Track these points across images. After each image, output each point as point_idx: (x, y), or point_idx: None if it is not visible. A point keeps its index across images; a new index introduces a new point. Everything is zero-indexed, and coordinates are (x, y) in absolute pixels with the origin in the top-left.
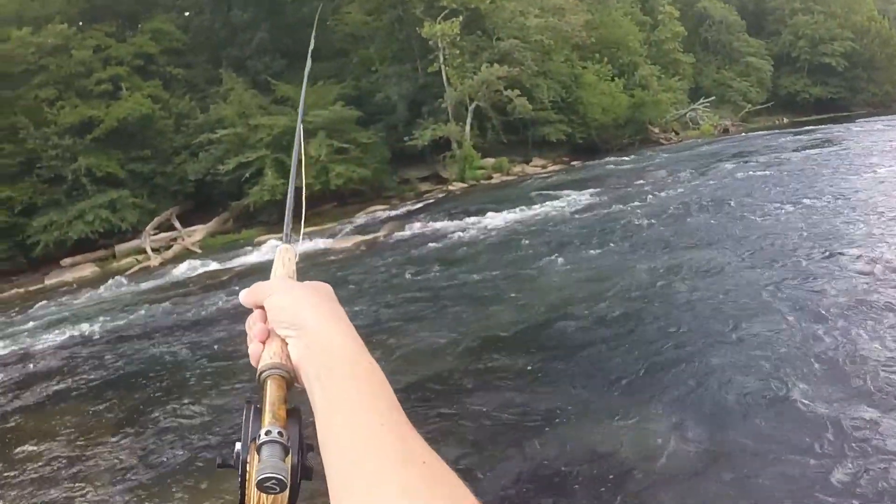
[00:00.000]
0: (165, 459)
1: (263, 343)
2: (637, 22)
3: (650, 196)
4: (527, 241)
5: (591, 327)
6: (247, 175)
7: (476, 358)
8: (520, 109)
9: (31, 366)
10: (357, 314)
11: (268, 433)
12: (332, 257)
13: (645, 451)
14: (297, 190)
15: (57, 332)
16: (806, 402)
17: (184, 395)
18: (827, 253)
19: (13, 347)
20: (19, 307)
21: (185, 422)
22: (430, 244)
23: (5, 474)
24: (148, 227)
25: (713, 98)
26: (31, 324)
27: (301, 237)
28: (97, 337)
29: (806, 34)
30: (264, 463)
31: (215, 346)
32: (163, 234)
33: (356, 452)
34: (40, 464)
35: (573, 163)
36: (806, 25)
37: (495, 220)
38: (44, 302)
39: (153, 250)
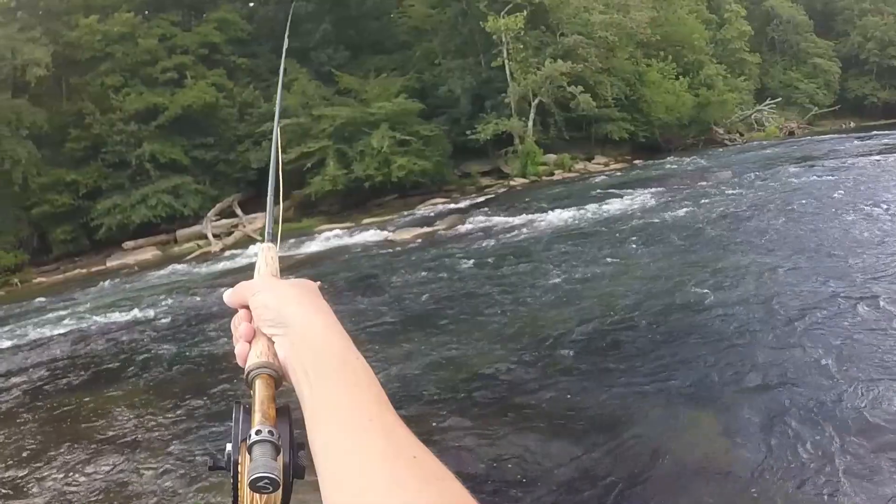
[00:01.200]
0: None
1: (250, 342)
2: (702, 20)
3: (713, 198)
4: (587, 240)
5: (648, 329)
6: (308, 165)
7: (531, 355)
8: (583, 106)
9: (90, 345)
10: (413, 306)
11: (258, 432)
12: (392, 249)
13: (699, 456)
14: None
15: (117, 312)
16: (873, 414)
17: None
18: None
19: (73, 326)
20: (82, 287)
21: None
22: (490, 239)
23: (59, 448)
24: (210, 213)
25: (779, 99)
26: (92, 304)
27: (279, 237)
28: (157, 319)
29: (875, 36)
30: (256, 462)
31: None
32: (224, 221)
33: (345, 449)
34: (95, 441)
35: (635, 161)
36: (875, 27)
37: (556, 217)
38: (105, 283)
39: (214, 236)
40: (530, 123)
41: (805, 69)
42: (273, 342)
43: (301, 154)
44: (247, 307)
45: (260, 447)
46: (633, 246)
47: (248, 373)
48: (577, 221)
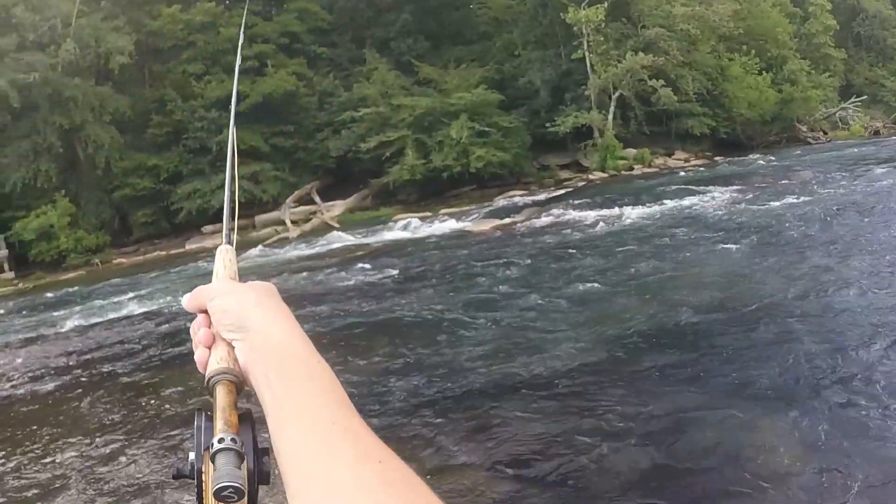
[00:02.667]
0: None
1: (209, 348)
2: (786, 13)
3: (796, 198)
4: (666, 237)
5: (724, 329)
6: (387, 154)
7: (605, 350)
8: (664, 100)
9: (166, 324)
10: (489, 298)
11: (221, 440)
12: (470, 240)
13: (767, 462)
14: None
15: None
16: None
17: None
18: None
19: (150, 307)
20: (160, 269)
21: None
22: (568, 233)
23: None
24: (288, 200)
25: (864, 97)
26: (169, 285)
27: (235, 238)
28: None
29: None
30: (220, 471)
31: (349, 319)
32: (302, 208)
33: (309, 454)
34: (169, 417)
35: (716, 158)
36: None
37: (635, 212)
38: (183, 266)
39: (292, 222)
40: (610, 117)
41: (892, 66)
42: (233, 347)
43: (380, 143)
44: (206, 312)
45: (223, 456)
46: (712, 244)
47: (209, 379)
48: (656, 218)
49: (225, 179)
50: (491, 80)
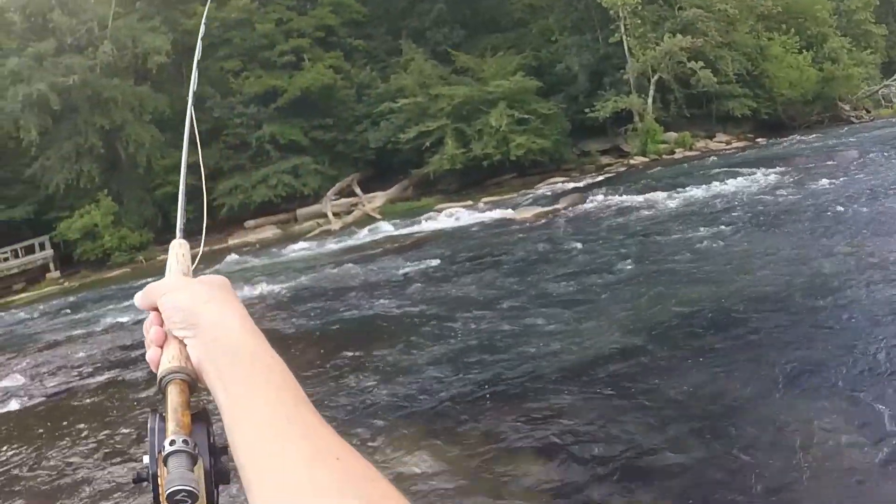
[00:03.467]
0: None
1: (161, 347)
2: None
3: (842, 179)
4: (711, 221)
5: (772, 315)
6: (427, 144)
7: (655, 336)
8: (704, 82)
9: None
10: (537, 285)
11: (172, 443)
12: (514, 227)
13: (822, 452)
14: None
15: (240, 288)
16: None
17: (365, 357)
18: None
19: None
20: (204, 265)
21: (362, 385)
22: (611, 218)
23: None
24: (329, 193)
25: None
26: None
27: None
28: (278, 293)
29: None
30: (172, 475)
31: (395, 311)
32: (343, 200)
33: (265, 451)
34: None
35: (758, 140)
36: None
37: (678, 196)
38: (227, 259)
39: (334, 215)
40: (650, 100)
41: None
42: (185, 345)
43: (419, 133)
44: (157, 309)
45: (175, 459)
46: (759, 228)
47: (161, 379)
48: (700, 201)
49: (266, 174)
50: (528, 67)
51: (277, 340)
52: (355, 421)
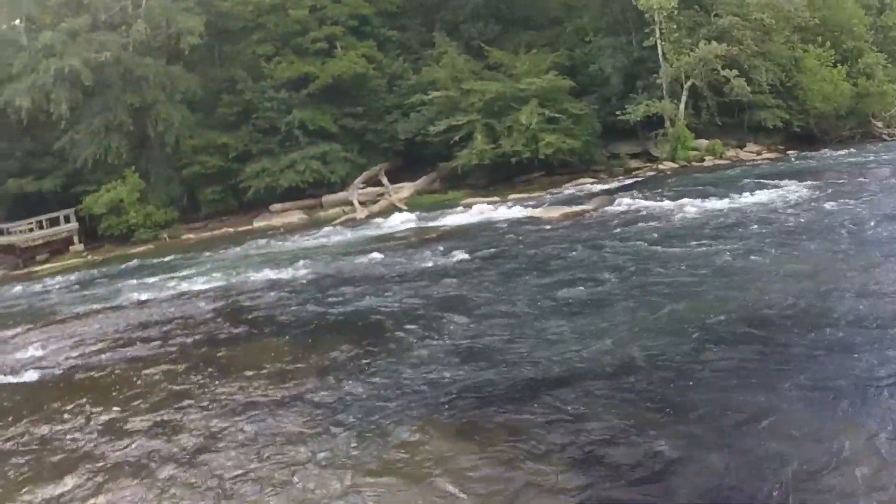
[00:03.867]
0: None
1: None
2: (862, 5)
3: (875, 196)
4: (739, 232)
5: (796, 330)
6: (456, 138)
7: (675, 343)
8: (737, 91)
9: (232, 299)
10: (561, 287)
11: None
12: (540, 226)
13: (849, 473)
14: None
15: (262, 270)
16: None
17: (379, 346)
18: None
19: (218, 281)
20: (228, 245)
21: (383, 377)
22: (639, 223)
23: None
24: (356, 181)
25: None
26: (237, 261)
27: None
28: (302, 279)
29: None
30: None
31: (417, 303)
32: (370, 189)
33: None
34: (236, 391)
35: (789, 152)
36: None
37: (707, 205)
38: (252, 242)
39: (360, 203)
40: (682, 106)
41: None
42: None
43: (449, 127)
44: None
45: None
46: (786, 242)
47: None
48: (728, 211)
49: (294, 159)
50: (561, 67)
51: (297, 326)
52: (376, 412)
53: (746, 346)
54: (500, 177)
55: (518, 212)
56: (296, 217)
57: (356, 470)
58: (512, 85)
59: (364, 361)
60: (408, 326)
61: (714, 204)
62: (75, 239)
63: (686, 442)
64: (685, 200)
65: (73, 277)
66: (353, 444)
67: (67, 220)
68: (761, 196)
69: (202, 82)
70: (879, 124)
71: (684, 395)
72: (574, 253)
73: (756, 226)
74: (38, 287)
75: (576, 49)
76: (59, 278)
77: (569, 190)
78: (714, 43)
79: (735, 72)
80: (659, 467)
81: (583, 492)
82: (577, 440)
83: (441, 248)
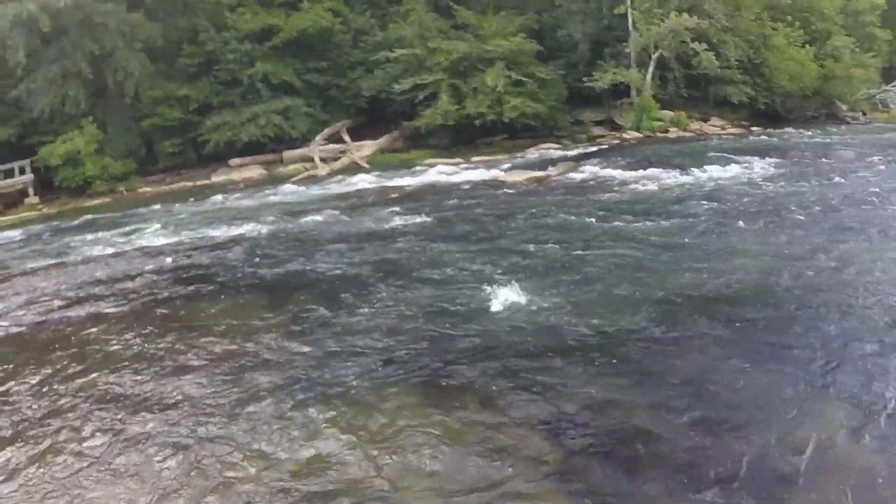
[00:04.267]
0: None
1: None
2: None
3: (837, 177)
4: (703, 204)
5: (760, 307)
6: (421, 97)
7: (644, 315)
8: (705, 64)
9: (191, 256)
10: (525, 253)
11: None
12: (504, 189)
13: (831, 452)
14: None
15: (218, 226)
16: None
17: (338, 306)
18: None
19: (176, 238)
20: (185, 199)
21: (342, 342)
22: (603, 190)
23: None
24: (318, 137)
25: None
26: (194, 216)
27: None
28: (261, 236)
29: None
30: None
31: (377, 264)
32: (332, 146)
33: None
34: (190, 349)
35: (752, 128)
36: None
37: (671, 176)
38: (210, 197)
39: (321, 160)
40: (649, 76)
41: None
42: None
43: (414, 85)
44: None
45: None
46: (750, 217)
47: None
48: (693, 183)
49: (255, 112)
50: (529, 30)
51: (255, 285)
52: (338, 381)
53: (712, 319)
54: (463, 138)
55: (481, 174)
56: (255, 172)
57: (319, 432)
58: (479, 46)
59: (321, 322)
60: (367, 287)
61: (678, 176)
62: (30, 191)
63: (661, 413)
64: (651, 171)
65: (26, 231)
66: (316, 406)
67: (22, 171)
68: (725, 171)
69: (164, 31)
70: (844, 107)
71: (656, 364)
72: (538, 218)
73: (720, 200)
74: None
75: (544, 13)
76: (12, 232)
77: (532, 154)
78: (685, 15)
79: (704, 45)
80: (632, 438)
81: (562, 463)
82: (547, 409)
83: (403, 208)
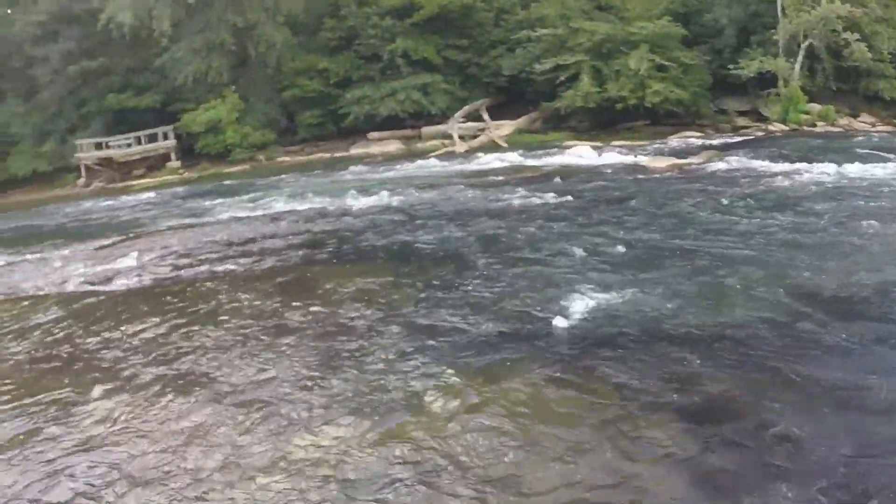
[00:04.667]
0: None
1: None
2: None
3: None
4: (853, 203)
5: None
6: (562, 78)
7: (788, 314)
8: (857, 56)
9: (326, 222)
10: (666, 238)
11: None
12: (645, 175)
13: None
14: None
15: (359, 197)
16: None
17: (461, 279)
18: None
19: (311, 205)
20: (324, 170)
21: (477, 314)
22: (748, 182)
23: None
24: (457, 115)
25: None
26: (333, 186)
27: None
28: (397, 207)
29: None
30: None
31: (513, 238)
32: (470, 124)
33: None
34: (319, 312)
35: None
36: None
37: (819, 171)
38: (348, 168)
39: (459, 137)
40: (797, 66)
41: None
42: None
43: (556, 65)
44: None
45: None
46: None
47: None
48: (841, 181)
49: (395, 87)
50: (675, 13)
51: (390, 253)
52: (470, 345)
53: (870, 323)
54: (602, 122)
55: (621, 158)
56: (393, 146)
57: (454, 405)
58: (622, 28)
59: (456, 293)
60: (506, 263)
61: (824, 171)
62: (172, 156)
63: (801, 416)
64: (795, 165)
65: (167, 192)
66: (427, 378)
67: (165, 136)
68: (877, 170)
69: (305, 6)
70: None
71: (802, 366)
72: (682, 205)
73: (867, 198)
74: (132, 200)
75: None
76: (153, 193)
77: (674, 142)
78: (837, 2)
79: (856, 35)
80: (773, 441)
81: (697, 457)
82: (687, 400)
83: (541, 187)
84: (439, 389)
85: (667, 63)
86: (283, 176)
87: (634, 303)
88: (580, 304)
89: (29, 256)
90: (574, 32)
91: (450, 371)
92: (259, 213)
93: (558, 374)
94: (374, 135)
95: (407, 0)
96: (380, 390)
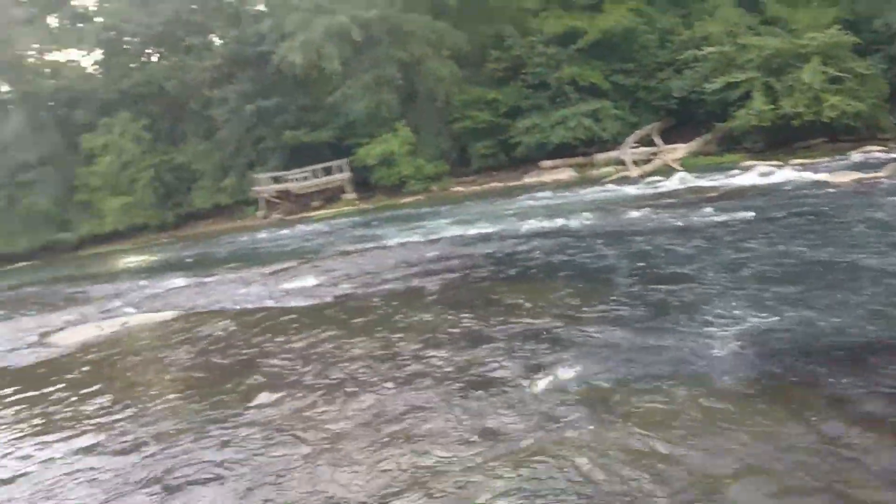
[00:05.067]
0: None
1: None
2: None
3: None
4: None
5: None
6: (733, 97)
7: None
8: None
9: (502, 246)
10: (861, 250)
11: None
12: (829, 190)
13: None
14: None
15: (535, 221)
16: None
17: (668, 300)
18: None
19: (487, 230)
20: (498, 198)
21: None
22: None
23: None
24: (629, 139)
25: None
26: (508, 212)
27: None
28: (575, 230)
29: None
30: None
31: (700, 258)
32: (642, 148)
33: None
34: (498, 327)
35: None
36: None
37: None
38: (522, 196)
39: (633, 162)
40: None
41: None
42: None
43: (726, 84)
44: None
45: None
46: None
47: None
48: None
49: (565, 115)
50: (844, 21)
51: (573, 272)
52: (656, 364)
53: None
54: (778, 141)
55: (801, 175)
56: (566, 174)
57: (650, 424)
58: (791, 41)
59: (642, 311)
60: (696, 281)
61: None
62: (347, 187)
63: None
64: None
65: (342, 222)
66: (641, 396)
67: (341, 169)
68: None
69: (468, 38)
70: None
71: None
72: (869, 220)
73: None
74: (313, 228)
75: (858, 1)
76: (330, 222)
77: (855, 156)
78: None
79: None
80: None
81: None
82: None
83: (722, 207)
84: (618, 404)
85: (841, 74)
86: (458, 204)
87: (842, 316)
88: (777, 318)
89: (207, 279)
90: (742, 49)
91: (638, 389)
92: (435, 236)
93: (757, 387)
94: (545, 163)
95: (569, 27)
96: (521, 403)
